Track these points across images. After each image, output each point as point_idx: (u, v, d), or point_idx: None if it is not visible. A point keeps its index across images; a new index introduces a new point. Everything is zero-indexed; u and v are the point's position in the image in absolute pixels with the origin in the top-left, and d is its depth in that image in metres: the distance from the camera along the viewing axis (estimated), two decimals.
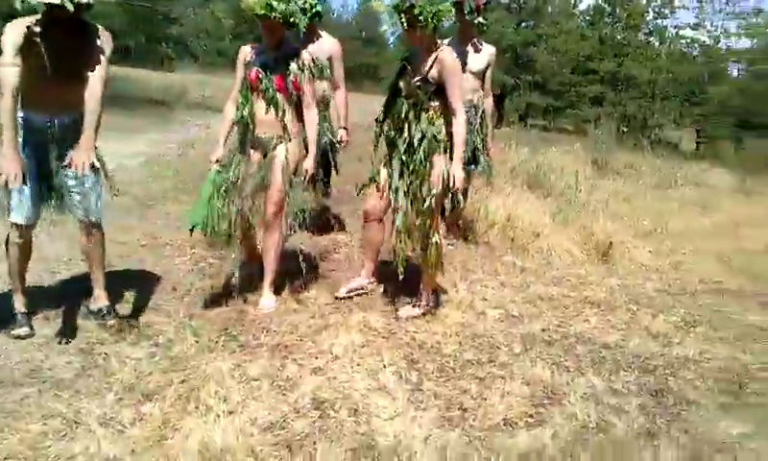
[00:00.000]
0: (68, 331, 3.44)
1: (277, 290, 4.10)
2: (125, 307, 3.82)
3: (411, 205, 3.73)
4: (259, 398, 2.95)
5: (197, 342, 3.41)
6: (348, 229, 5.92)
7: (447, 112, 3.70)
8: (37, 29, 3.06)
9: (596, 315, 4.43)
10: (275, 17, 3.59)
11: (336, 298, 4.16)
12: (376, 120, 3.95)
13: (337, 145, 5.21)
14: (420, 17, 3.54)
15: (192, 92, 17.79)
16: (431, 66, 3.66)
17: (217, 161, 3.74)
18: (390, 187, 3.81)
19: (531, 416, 3.02)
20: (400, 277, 3.82)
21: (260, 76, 3.72)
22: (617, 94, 27.57)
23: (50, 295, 3.89)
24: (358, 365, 3.32)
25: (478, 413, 2.99)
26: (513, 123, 22.50)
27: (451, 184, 3.67)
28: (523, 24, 30.98)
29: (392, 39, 47.95)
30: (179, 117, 13.60)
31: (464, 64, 4.75)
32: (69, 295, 3.84)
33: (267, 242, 3.92)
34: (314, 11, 4.84)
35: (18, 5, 3.04)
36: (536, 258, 5.62)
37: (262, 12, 3.58)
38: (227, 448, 2.55)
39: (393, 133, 3.81)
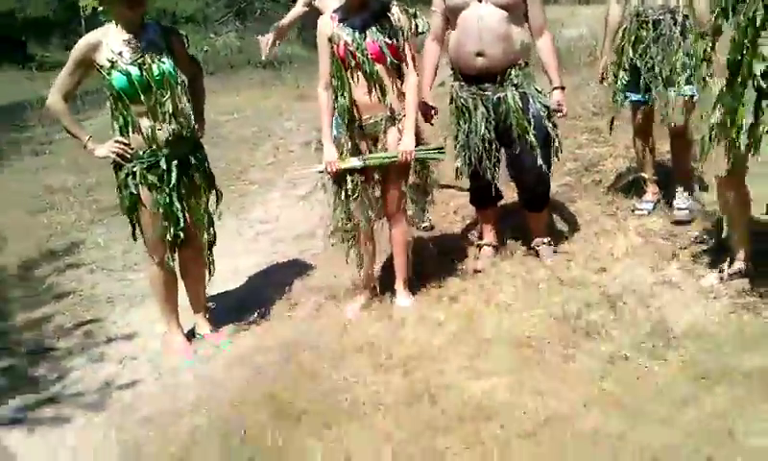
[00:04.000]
0: None
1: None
2: None
3: None
4: (550, 293, 3.27)
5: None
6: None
7: None
8: None
9: None
10: None
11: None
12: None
13: (553, 113, 3.47)
14: None
15: None
16: None
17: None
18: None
19: None
20: None
21: (350, 48, 3.07)
22: None
23: None
24: (641, 263, 3.44)
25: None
26: None
27: None
28: None
29: None
30: None
31: None
32: None
33: (395, 239, 3.39)
34: None
35: None
36: None
37: None
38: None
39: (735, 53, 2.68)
